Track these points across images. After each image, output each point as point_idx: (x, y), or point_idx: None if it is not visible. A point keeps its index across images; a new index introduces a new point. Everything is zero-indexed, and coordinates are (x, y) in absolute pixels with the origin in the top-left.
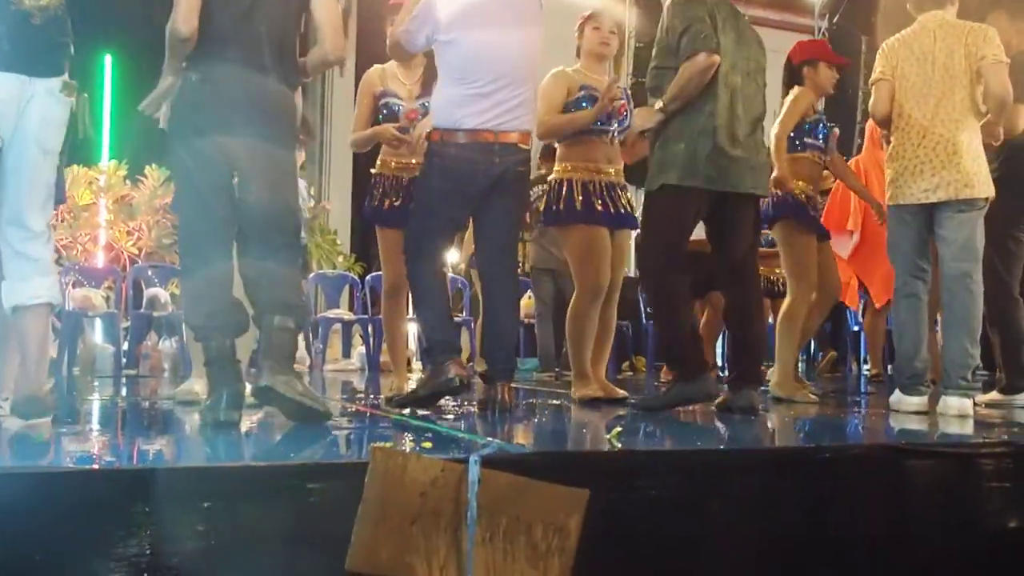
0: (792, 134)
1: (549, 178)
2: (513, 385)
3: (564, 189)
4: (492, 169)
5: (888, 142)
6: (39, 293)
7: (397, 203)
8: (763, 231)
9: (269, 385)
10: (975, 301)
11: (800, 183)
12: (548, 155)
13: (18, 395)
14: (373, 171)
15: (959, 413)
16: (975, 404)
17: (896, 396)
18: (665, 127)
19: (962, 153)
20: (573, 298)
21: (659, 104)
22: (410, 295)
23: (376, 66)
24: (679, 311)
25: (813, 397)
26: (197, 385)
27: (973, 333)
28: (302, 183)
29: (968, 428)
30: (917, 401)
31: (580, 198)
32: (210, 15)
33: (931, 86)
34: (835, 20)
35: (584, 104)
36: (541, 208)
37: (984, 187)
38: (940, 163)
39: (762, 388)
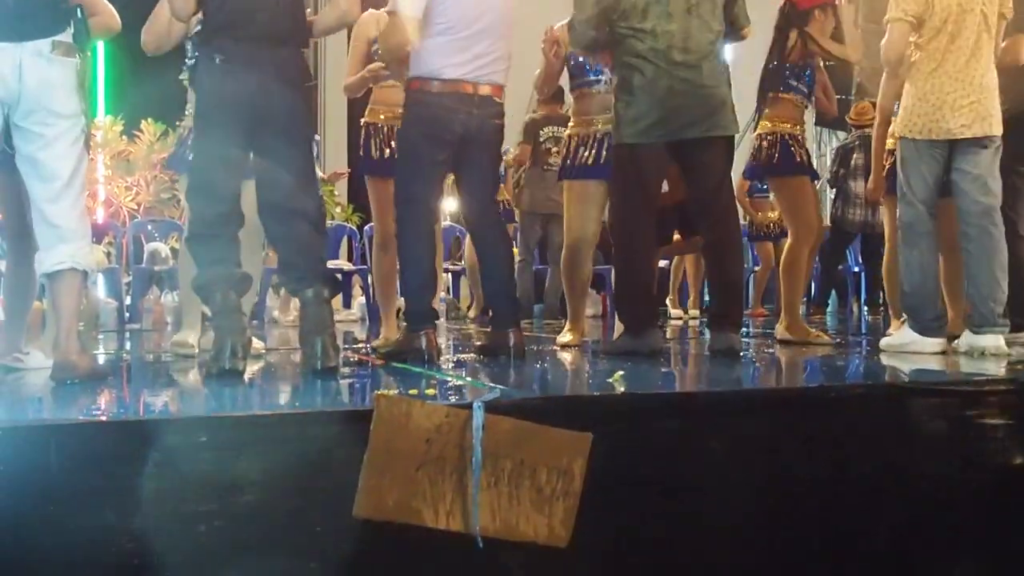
0: (784, 72)
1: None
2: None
3: (567, 144)
4: (469, 120)
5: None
6: (62, 259)
7: (388, 153)
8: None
9: (335, 366)
10: (1001, 234)
11: (785, 125)
12: (548, 99)
13: (54, 361)
14: (363, 121)
15: (995, 351)
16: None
17: (907, 336)
18: (617, 84)
19: (991, 92)
20: (563, 249)
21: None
22: (396, 245)
23: (371, 11)
24: (635, 264)
25: (826, 339)
26: (190, 336)
27: (1003, 266)
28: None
29: (1002, 367)
30: (940, 342)
31: (575, 152)
32: None
33: (967, 25)
34: None
35: (576, 58)
36: (554, 151)
37: (1000, 126)
38: (975, 100)
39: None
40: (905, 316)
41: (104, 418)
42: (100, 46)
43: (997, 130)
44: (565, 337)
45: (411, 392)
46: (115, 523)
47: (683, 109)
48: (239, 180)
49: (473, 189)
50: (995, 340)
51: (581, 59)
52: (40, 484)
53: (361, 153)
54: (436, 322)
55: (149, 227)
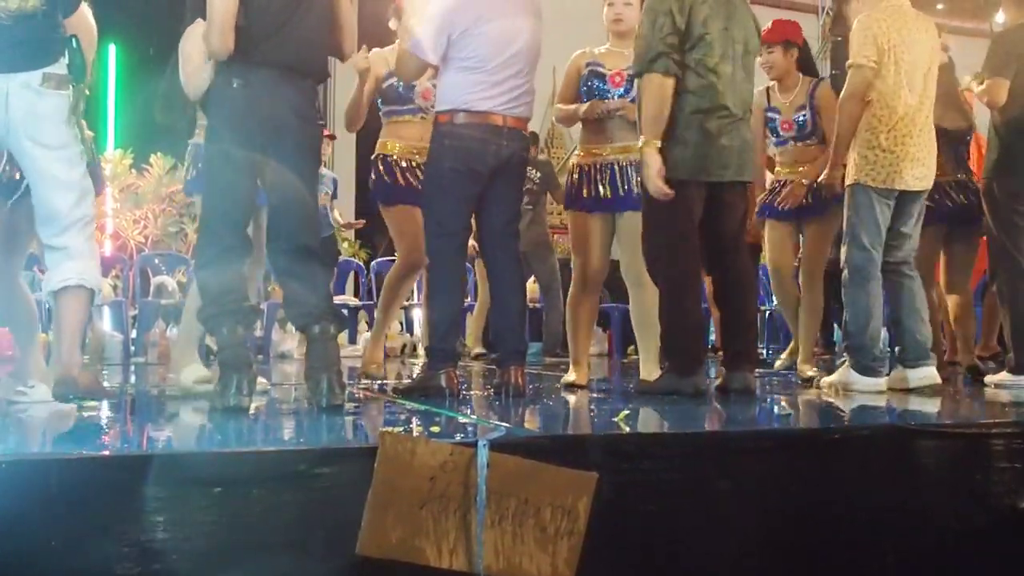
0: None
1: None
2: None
3: (571, 173)
4: (501, 152)
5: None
6: (68, 276)
7: (401, 181)
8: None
9: (341, 404)
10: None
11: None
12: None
13: (55, 377)
14: (374, 155)
15: (931, 381)
16: (984, 385)
17: (850, 376)
18: (671, 116)
19: (935, 147)
20: (571, 285)
21: (642, 140)
22: (426, 279)
23: (376, 50)
24: (686, 302)
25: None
26: (199, 369)
27: (925, 305)
28: (331, 174)
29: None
30: (880, 382)
31: (577, 184)
32: (252, 18)
33: (920, 77)
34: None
35: (591, 82)
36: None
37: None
38: (927, 153)
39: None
40: (847, 356)
41: (107, 453)
42: (111, 80)
43: (931, 184)
44: (570, 377)
45: (416, 429)
46: (117, 558)
47: (725, 151)
48: (249, 211)
49: (493, 219)
50: (930, 371)
51: (602, 84)
52: (42, 518)
53: (371, 186)
54: (457, 361)
55: (156, 261)
